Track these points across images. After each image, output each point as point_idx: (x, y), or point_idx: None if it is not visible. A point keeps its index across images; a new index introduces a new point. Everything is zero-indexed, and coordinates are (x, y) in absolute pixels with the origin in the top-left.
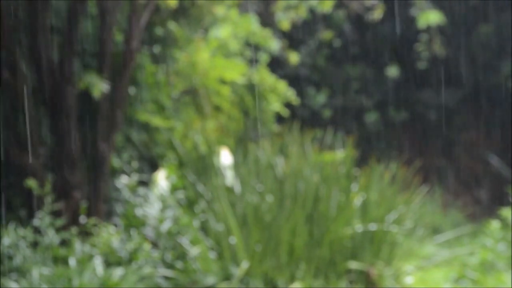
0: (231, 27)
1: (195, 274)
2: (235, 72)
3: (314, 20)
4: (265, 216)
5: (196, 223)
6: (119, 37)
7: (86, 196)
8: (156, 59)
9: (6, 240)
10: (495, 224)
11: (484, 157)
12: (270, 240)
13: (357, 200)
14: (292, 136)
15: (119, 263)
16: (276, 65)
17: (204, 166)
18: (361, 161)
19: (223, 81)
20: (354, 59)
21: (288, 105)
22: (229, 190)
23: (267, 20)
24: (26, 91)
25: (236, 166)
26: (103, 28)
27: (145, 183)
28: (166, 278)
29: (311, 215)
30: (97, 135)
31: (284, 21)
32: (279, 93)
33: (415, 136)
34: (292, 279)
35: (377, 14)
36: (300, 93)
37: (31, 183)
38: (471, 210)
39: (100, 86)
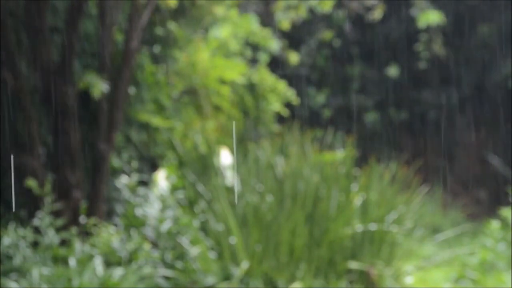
0: (231, 27)
1: (195, 274)
2: (235, 72)
3: (314, 20)
4: (265, 216)
5: (196, 223)
6: (119, 37)
7: (86, 196)
8: (156, 59)
9: (6, 240)
10: (495, 224)
11: (484, 157)
12: (270, 240)
13: (357, 200)
14: (292, 136)
15: (119, 263)
16: (276, 65)
17: (204, 166)
18: (361, 161)
19: (223, 81)
20: (354, 59)
21: (288, 105)
22: (229, 190)
23: (267, 20)
24: (26, 91)
25: (236, 166)
26: (103, 28)
27: (145, 183)
28: (166, 278)
29: (311, 215)
30: (97, 135)
31: (284, 21)
32: (279, 93)
33: (415, 136)
34: (292, 279)
35: (377, 14)
36: (300, 93)
37: (31, 183)
38: (471, 210)
39: (100, 86)
